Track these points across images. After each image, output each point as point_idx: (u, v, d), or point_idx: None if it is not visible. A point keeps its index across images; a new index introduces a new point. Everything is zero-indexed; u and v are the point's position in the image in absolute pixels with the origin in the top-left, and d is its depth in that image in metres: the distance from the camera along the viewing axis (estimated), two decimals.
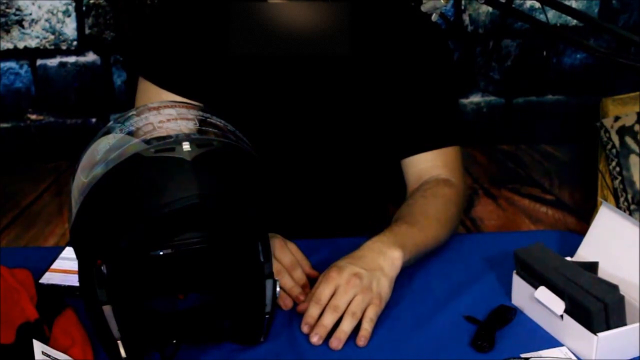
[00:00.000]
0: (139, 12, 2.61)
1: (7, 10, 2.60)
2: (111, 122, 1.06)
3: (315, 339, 1.14)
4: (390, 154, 1.47)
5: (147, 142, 0.99)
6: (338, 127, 1.44)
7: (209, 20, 1.39)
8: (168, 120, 1.02)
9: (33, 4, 2.60)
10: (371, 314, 1.15)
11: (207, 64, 1.40)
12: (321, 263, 1.29)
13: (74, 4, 2.62)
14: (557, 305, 1.12)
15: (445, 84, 1.48)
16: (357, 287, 1.16)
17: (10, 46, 2.64)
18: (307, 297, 1.19)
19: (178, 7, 1.43)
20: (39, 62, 2.67)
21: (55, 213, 2.60)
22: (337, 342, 1.13)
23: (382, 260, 1.21)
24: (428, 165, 1.45)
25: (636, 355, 1.11)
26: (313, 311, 1.15)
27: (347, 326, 1.14)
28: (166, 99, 1.37)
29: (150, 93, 1.39)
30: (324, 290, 1.16)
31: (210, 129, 1.03)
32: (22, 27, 2.62)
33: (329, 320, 1.14)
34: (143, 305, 1.11)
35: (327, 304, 1.15)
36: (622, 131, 2.36)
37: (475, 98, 2.79)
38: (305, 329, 1.15)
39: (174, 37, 1.41)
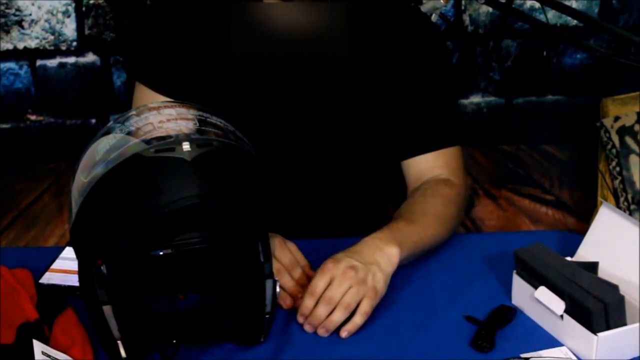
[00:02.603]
0: (138, 13, 2.61)
1: (7, 10, 2.60)
2: (111, 122, 1.06)
3: (307, 328, 1.16)
4: (390, 155, 1.47)
5: (147, 142, 0.99)
6: (338, 128, 1.44)
7: (209, 20, 1.39)
8: (168, 120, 1.02)
9: (33, 4, 2.60)
10: (365, 308, 1.16)
11: (206, 65, 1.40)
12: (321, 263, 1.29)
13: (73, 5, 2.62)
14: (557, 305, 1.12)
15: (444, 84, 1.48)
16: (353, 279, 1.16)
17: (10, 47, 2.64)
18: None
19: (177, 7, 1.43)
20: (39, 62, 2.68)
21: (55, 213, 2.60)
22: (323, 331, 1.15)
23: (379, 255, 1.21)
24: (429, 166, 1.45)
25: (636, 355, 1.10)
26: (308, 302, 1.16)
27: (337, 317, 1.15)
28: None
29: (146, 97, 1.39)
30: (319, 282, 1.16)
31: (210, 129, 1.03)
32: (22, 27, 2.62)
33: (322, 312, 1.15)
34: (143, 305, 1.11)
35: (321, 296, 1.15)
36: (622, 131, 2.36)
37: (476, 98, 2.79)
38: (300, 319, 1.17)
39: (171, 39, 1.41)
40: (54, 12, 2.62)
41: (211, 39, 1.39)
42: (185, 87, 1.38)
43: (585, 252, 1.26)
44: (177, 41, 1.40)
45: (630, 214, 2.20)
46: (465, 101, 2.76)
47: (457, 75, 2.53)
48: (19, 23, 2.62)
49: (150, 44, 1.45)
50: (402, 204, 1.40)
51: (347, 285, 1.16)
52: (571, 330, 1.11)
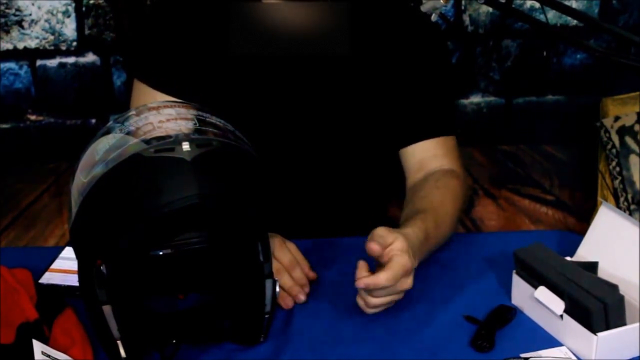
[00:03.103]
0: (138, 13, 2.61)
1: (7, 10, 2.60)
2: (111, 122, 1.06)
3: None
4: (389, 145, 1.47)
5: (147, 142, 0.99)
6: (338, 127, 1.44)
7: (209, 20, 1.39)
8: (167, 120, 1.02)
9: (33, 4, 2.60)
10: (378, 309, 1.18)
11: (206, 64, 1.40)
12: (321, 263, 1.29)
13: (73, 5, 2.62)
14: (557, 305, 1.12)
15: (442, 79, 1.48)
16: (405, 291, 1.17)
17: (10, 47, 2.64)
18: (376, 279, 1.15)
19: (177, 7, 1.43)
20: (39, 62, 2.67)
21: (55, 213, 2.60)
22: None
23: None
24: (430, 155, 1.44)
25: (636, 355, 1.11)
26: (382, 280, 1.14)
27: (362, 303, 1.17)
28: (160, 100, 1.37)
29: (145, 95, 1.39)
30: (405, 282, 1.15)
31: (209, 129, 1.03)
32: (22, 27, 2.62)
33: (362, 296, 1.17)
34: (143, 305, 1.11)
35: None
36: (622, 131, 2.36)
37: (476, 98, 2.79)
38: (361, 302, 1.17)
39: (171, 38, 1.41)
40: (54, 12, 2.62)
41: (211, 39, 1.39)
42: (185, 85, 1.38)
43: (585, 252, 1.26)
44: (177, 40, 1.40)
45: (630, 214, 2.20)
46: (465, 101, 2.76)
47: (456, 74, 2.53)
48: (19, 23, 2.62)
49: (150, 42, 1.45)
50: (416, 197, 1.38)
51: (397, 297, 1.17)
52: (571, 330, 1.11)
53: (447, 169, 1.44)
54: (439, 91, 1.48)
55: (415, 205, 1.35)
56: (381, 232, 1.16)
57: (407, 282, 1.16)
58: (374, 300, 1.16)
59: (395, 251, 1.14)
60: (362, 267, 1.16)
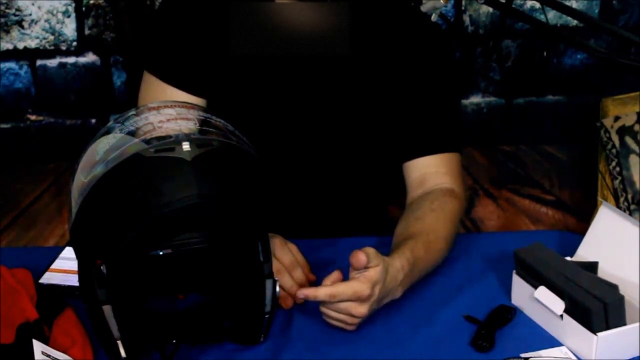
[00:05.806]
0: (138, 13, 2.61)
1: (7, 10, 2.60)
2: (111, 122, 1.06)
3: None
4: (392, 156, 1.47)
5: (147, 142, 0.99)
6: (338, 127, 1.44)
7: (210, 20, 1.40)
8: (168, 120, 1.02)
9: (33, 4, 2.60)
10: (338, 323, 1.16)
11: (208, 64, 1.40)
12: (321, 263, 1.29)
13: (73, 5, 2.62)
14: (557, 305, 1.13)
15: (447, 85, 1.47)
16: (362, 317, 1.15)
17: (10, 47, 2.64)
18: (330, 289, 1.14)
19: (181, 6, 1.43)
20: (39, 62, 2.67)
21: (55, 213, 2.60)
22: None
23: (390, 294, 1.19)
24: (432, 171, 1.43)
25: (636, 355, 1.11)
26: (330, 313, 1.15)
27: (328, 312, 1.15)
28: (169, 93, 1.37)
29: (154, 87, 1.40)
30: (356, 307, 1.14)
31: (210, 129, 1.03)
32: (22, 27, 2.62)
33: (327, 312, 1.15)
34: (143, 305, 1.11)
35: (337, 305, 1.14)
36: (622, 131, 2.36)
37: (476, 99, 2.79)
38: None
39: (177, 34, 1.41)
40: (54, 12, 2.62)
41: (213, 38, 1.39)
42: (193, 80, 1.39)
43: (585, 252, 1.26)
44: (184, 37, 1.41)
45: (630, 214, 2.20)
46: (465, 101, 2.76)
47: (457, 75, 2.53)
48: (19, 23, 2.62)
49: (159, 36, 1.45)
50: (411, 218, 1.36)
51: (349, 320, 1.15)
52: (571, 330, 1.11)
53: (446, 188, 1.42)
54: (444, 101, 1.46)
55: (409, 226, 1.34)
56: (370, 251, 1.14)
57: (359, 309, 1.13)
58: (324, 310, 1.15)
59: (361, 276, 1.13)
60: (331, 277, 1.16)
